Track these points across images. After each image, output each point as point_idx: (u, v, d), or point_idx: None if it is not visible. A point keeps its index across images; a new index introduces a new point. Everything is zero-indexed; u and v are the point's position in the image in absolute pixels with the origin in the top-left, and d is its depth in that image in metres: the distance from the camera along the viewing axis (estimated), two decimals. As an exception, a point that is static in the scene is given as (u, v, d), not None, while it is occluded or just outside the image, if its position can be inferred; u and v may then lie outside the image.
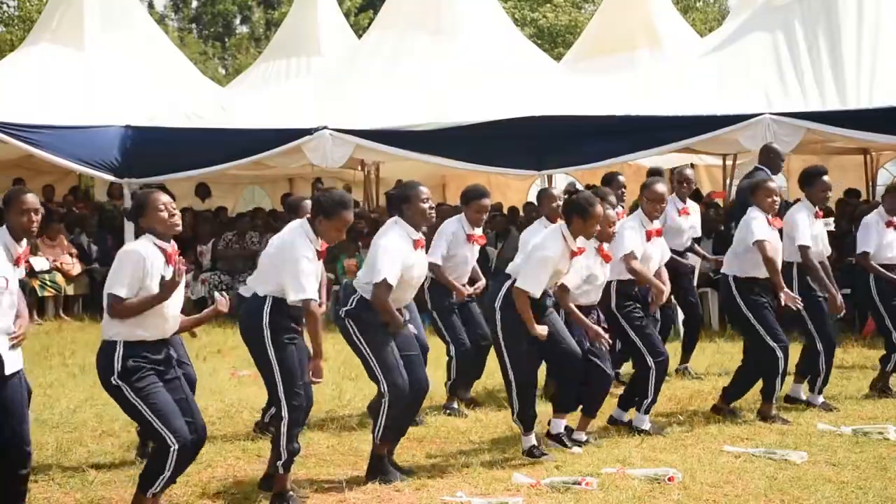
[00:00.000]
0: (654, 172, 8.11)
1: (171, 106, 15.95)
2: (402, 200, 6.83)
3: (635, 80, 14.74)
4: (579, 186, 11.86)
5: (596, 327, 7.37)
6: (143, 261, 5.57)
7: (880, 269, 9.26)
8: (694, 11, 33.95)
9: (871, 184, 17.50)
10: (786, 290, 8.17)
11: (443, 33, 15.25)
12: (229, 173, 16.92)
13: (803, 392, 9.05)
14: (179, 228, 5.79)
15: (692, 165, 12.79)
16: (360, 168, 17.86)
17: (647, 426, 7.92)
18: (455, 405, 8.81)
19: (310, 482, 6.70)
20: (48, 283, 15.14)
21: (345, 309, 6.74)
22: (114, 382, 5.60)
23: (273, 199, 20.04)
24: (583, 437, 7.63)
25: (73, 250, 15.81)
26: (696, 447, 7.52)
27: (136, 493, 5.76)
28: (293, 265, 6.11)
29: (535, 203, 9.09)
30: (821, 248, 8.90)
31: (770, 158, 11.01)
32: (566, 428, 7.53)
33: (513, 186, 19.02)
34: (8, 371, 5.39)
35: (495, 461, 7.15)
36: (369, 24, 23.71)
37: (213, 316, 6.11)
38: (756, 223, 8.23)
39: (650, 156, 14.69)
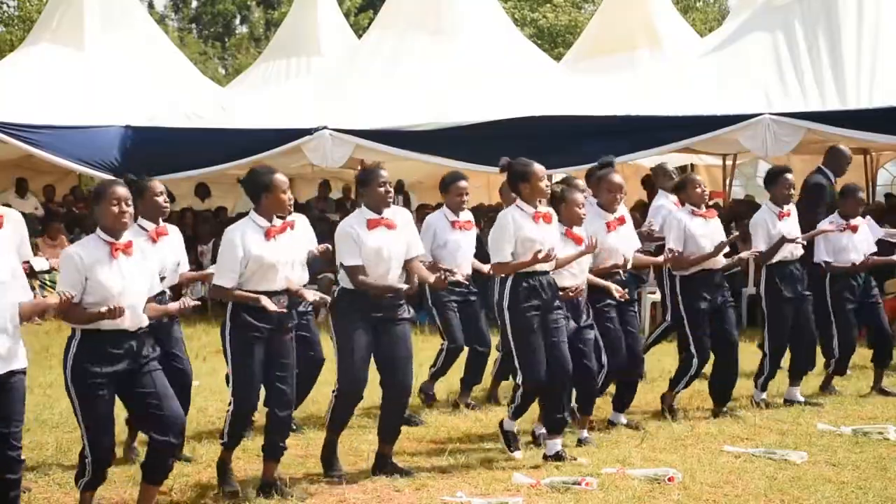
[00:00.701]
0: (606, 164, 8.11)
1: (171, 106, 15.96)
2: (361, 185, 6.89)
3: (635, 80, 14.74)
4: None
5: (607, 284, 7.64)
6: (75, 260, 5.54)
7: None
8: (694, 11, 33.93)
9: (871, 184, 17.48)
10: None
11: (443, 33, 15.25)
12: (229, 173, 16.91)
13: (799, 393, 9.09)
14: (127, 224, 5.71)
15: (692, 166, 12.81)
16: (360, 168, 17.86)
17: (623, 420, 8.13)
18: (432, 392, 8.99)
19: (310, 482, 6.70)
20: (48, 283, 15.14)
21: (329, 300, 6.82)
22: (64, 372, 5.64)
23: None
24: (585, 434, 7.65)
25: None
26: (696, 447, 7.52)
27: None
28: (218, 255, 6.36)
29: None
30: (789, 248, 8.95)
31: (835, 160, 10.79)
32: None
33: (495, 185, 18.97)
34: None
35: (495, 461, 7.15)
36: (369, 24, 23.71)
37: (179, 311, 6.21)
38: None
39: (650, 156, 14.69)
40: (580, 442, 7.62)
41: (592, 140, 13.07)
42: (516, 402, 7.22)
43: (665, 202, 10.07)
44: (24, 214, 15.77)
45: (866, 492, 6.39)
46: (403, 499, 6.39)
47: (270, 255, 6.29)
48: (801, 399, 9.01)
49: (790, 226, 8.96)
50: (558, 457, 7.12)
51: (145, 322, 5.72)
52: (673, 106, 13.04)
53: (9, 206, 16.93)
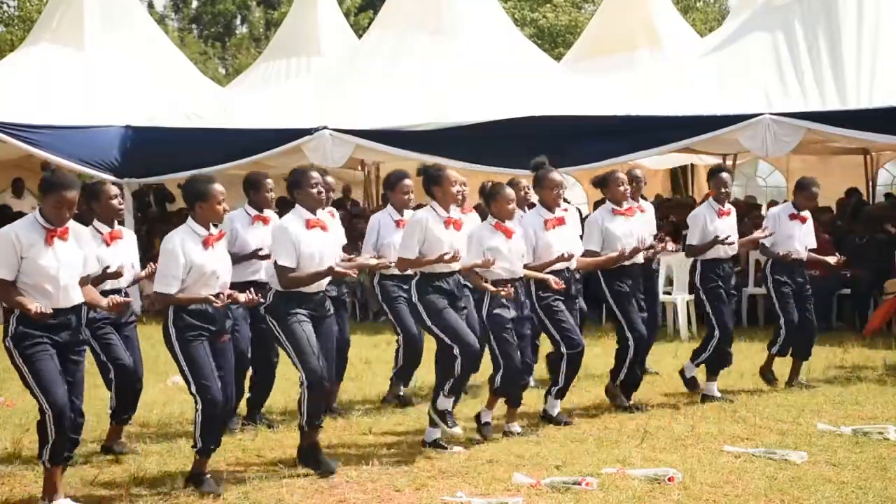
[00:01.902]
0: (539, 165, 8.29)
1: (171, 106, 15.96)
2: (293, 186, 6.93)
3: (635, 80, 14.75)
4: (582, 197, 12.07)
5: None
6: (12, 241, 5.86)
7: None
8: (694, 11, 33.91)
9: (871, 184, 17.50)
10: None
11: (443, 33, 15.26)
12: (229, 173, 16.90)
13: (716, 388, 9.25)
14: (65, 221, 5.96)
15: (692, 166, 12.76)
16: (360, 168, 17.87)
17: (556, 411, 8.21)
18: (401, 392, 9.06)
19: (309, 481, 6.70)
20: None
21: (263, 307, 6.90)
22: (6, 345, 5.90)
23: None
24: (516, 427, 7.88)
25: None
26: (696, 447, 7.52)
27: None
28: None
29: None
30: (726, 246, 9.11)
31: None
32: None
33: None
34: None
35: (495, 461, 7.15)
36: (369, 24, 23.71)
37: (109, 308, 6.32)
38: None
39: (650, 156, 14.72)
40: (506, 433, 7.84)
41: (592, 140, 13.09)
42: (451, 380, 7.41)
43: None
44: (18, 213, 15.78)
45: (866, 492, 6.38)
46: (403, 499, 6.39)
47: (210, 264, 6.42)
48: (718, 395, 9.14)
49: (727, 225, 9.13)
50: (443, 416, 7.42)
51: (78, 300, 6.01)
52: (673, 106, 13.05)
53: (8, 206, 16.99)
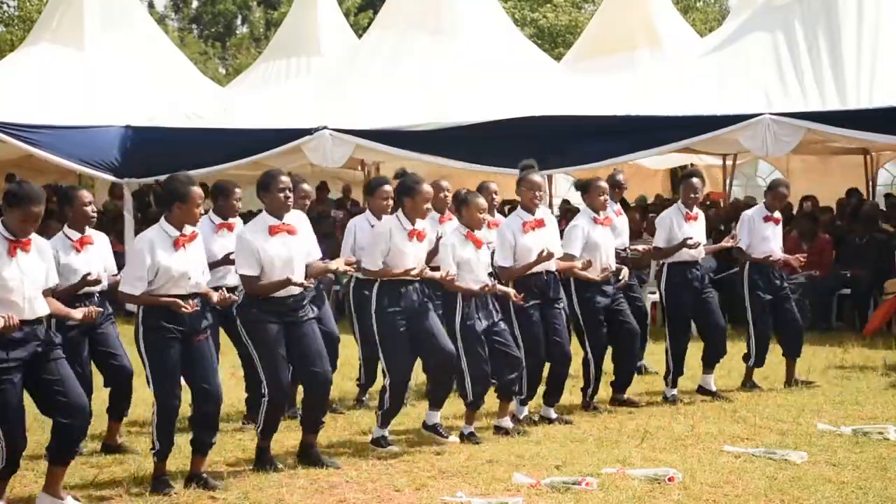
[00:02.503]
0: (527, 166, 8.33)
1: (171, 106, 15.96)
2: (260, 188, 6.92)
3: (635, 80, 14.74)
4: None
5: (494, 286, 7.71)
6: None
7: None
8: (694, 11, 33.92)
9: (871, 184, 17.50)
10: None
11: (443, 33, 15.25)
12: (229, 173, 16.91)
13: (713, 382, 9.32)
14: (28, 233, 5.89)
15: (692, 166, 12.77)
16: (360, 168, 17.88)
17: (516, 418, 8.13)
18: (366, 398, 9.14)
19: (309, 481, 6.70)
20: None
21: (236, 306, 6.87)
22: None
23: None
24: (507, 423, 7.91)
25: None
26: (696, 447, 7.53)
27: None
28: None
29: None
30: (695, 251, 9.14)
31: None
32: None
33: (513, 186, 18.98)
34: None
35: (495, 461, 7.15)
36: (369, 24, 23.70)
37: (84, 319, 6.37)
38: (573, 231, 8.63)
39: (650, 156, 14.73)
40: (497, 429, 7.94)
41: (592, 140, 13.08)
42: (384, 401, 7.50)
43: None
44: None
45: (866, 492, 6.39)
46: (403, 499, 6.39)
47: (179, 265, 6.39)
48: (714, 388, 9.22)
49: (695, 230, 9.18)
50: (434, 430, 7.54)
51: (43, 311, 5.90)
52: (673, 106, 13.04)
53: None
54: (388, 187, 8.59)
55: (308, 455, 7.04)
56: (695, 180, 9.28)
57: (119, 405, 7.52)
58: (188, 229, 6.51)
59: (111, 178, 15.16)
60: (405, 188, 7.43)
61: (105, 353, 7.38)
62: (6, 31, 32.01)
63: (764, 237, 9.54)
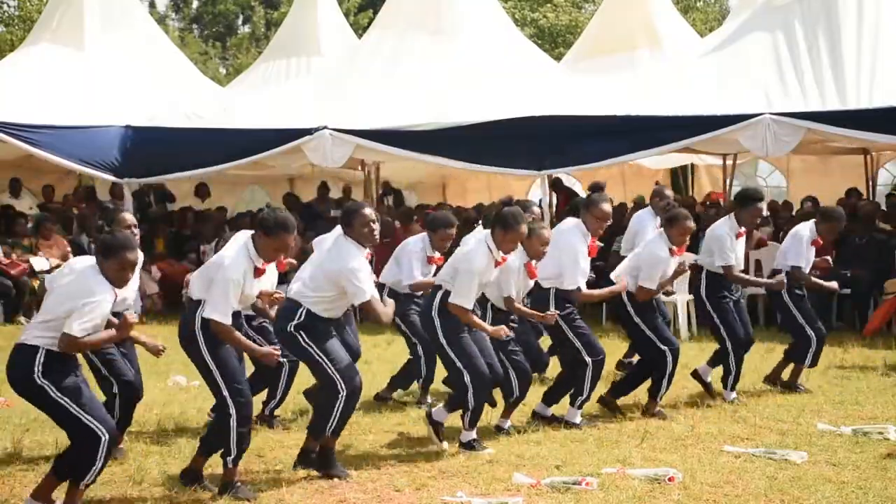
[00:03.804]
0: (598, 188, 8.29)
1: (171, 106, 15.96)
2: (344, 223, 6.91)
3: (635, 80, 14.75)
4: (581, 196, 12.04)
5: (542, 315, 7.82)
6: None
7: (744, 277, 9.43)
8: (694, 11, 33.93)
9: (871, 184, 17.50)
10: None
11: (443, 33, 15.26)
12: (229, 173, 16.93)
13: (710, 375, 9.25)
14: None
15: (692, 166, 12.75)
16: (360, 168, 17.87)
17: (578, 420, 8.15)
18: (429, 399, 9.07)
19: (309, 481, 6.70)
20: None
21: (293, 324, 6.75)
22: (38, 382, 5.76)
23: (273, 199, 20.05)
24: (507, 424, 7.95)
25: (69, 249, 15.80)
26: (696, 447, 7.53)
27: (69, 488, 5.97)
28: (219, 286, 6.24)
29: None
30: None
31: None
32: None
33: (513, 186, 19.03)
34: None
35: (495, 461, 7.15)
36: (369, 23, 23.70)
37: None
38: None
39: (650, 156, 14.72)
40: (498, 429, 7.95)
41: (592, 140, 13.09)
42: (472, 402, 7.39)
43: (649, 222, 10.31)
44: (20, 213, 15.71)
45: (866, 492, 6.39)
46: (403, 499, 6.39)
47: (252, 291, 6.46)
48: (709, 380, 9.18)
49: (740, 248, 9.12)
50: (470, 446, 7.41)
51: None
52: (673, 106, 13.04)
53: (10, 206, 16.99)
54: (452, 231, 8.74)
55: (307, 459, 6.97)
56: (761, 205, 9.18)
57: (128, 420, 7.32)
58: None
59: (111, 178, 15.15)
60: (502, 221, 7.35)
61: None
62: (6, 31, 32.01)
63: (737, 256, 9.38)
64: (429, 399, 9.05)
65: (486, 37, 15.51)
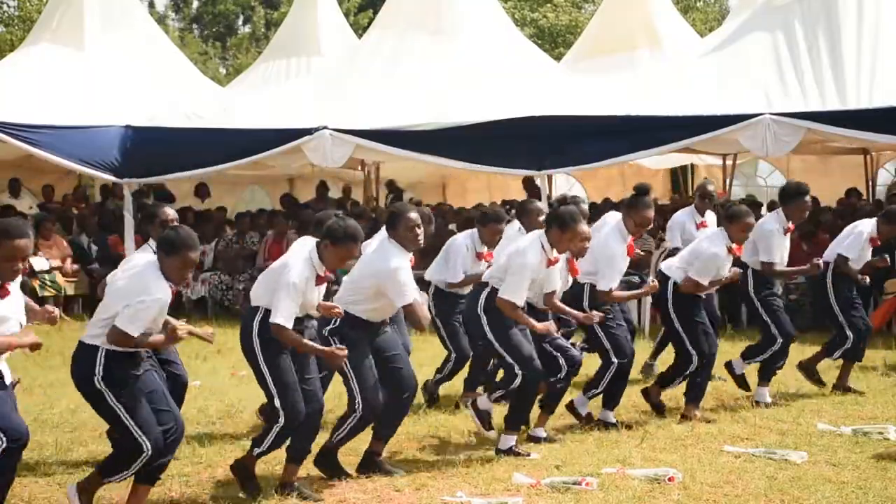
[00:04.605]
0: (643, 192, 8.19)
1: (171, 106, 15.95)
2: (388, 226, 6.90)
3: (635, 80, 14.73)
4: (581, 196, 12.02)
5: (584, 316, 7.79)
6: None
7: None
8: (694, 11, 33.94)
9: (871, 184, 17.50)
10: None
11: (443, 33, 15.25)
12: (229, 173, 16.92)
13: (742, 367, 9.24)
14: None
15: (692, 166, 12.75)
16: (360, 168, 17.89)
17: (584, 410, 8.19)
18: (436, 394, 9.09)
19: (309, 481, 6.70)
20: (48, 282, 15.14)
21: (328, 328, 6.74)
22: (97, 385, 5.75)
23: (273, 199, 20.06)
24: (542, 433, 7.81)
25: (69, 250, 15.81)
26: (696, 447, 7.53)
27: (93, 474, 6.03)
28: (284, 289, 6.22)
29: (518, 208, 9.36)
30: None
31: None
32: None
33: (513, 186, 19.03)
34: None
35: (495, 461, 7.15)
36: (369, 24, 23.69)
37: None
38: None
39: (650, 156, 14.71)
40: (535, 439, 7.80)
41: (592, 140, 13.07)
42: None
43: (686, 219, 10.38)
44: (20, 213, 15.71)
45: (866, 492, 6.39)
46: (403, 499, 6.40)
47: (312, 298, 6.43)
48: (769, 399, 9.05)
49: (786, 243, 9.12)
50: (511, 452, 7.31)
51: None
52: (673, 106, 13.03)
53: (10, 206, 16.99)
54: (503, 226, 8.76)
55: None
56: (808, 199, 9.14)
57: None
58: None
59: (111, 178, 15.15)
60: (560, 220, 7.34)
61: (162, 360, 6.95)
62: (6, 31, 32.02)
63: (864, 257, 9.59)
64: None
65: (486, 37, 15.49)
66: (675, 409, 8.80)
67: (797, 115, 12.47)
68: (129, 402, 5.76)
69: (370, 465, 6.94)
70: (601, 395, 8.28)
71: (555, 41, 32.11)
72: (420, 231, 6.85)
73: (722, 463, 7.06)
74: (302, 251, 6.42)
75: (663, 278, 8.54)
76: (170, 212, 7.33)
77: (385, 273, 6.65)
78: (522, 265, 7.26)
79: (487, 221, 8.80)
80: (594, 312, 7.83)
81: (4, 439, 5.32)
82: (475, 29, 15.49)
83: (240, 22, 43.31)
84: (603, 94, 14.06)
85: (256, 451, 6.47)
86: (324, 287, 6.56)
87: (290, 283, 6.21)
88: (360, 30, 26.70)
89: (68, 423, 8.32)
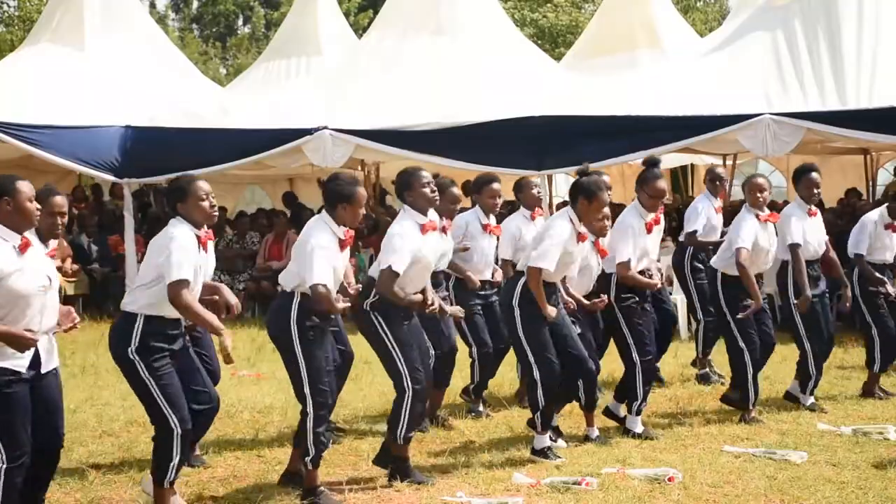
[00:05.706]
0: (652, 164, 7.97)
1: (171, 106, 15.94)
2: (403, 188, 6.79)
3: (635, 80, 14.73)
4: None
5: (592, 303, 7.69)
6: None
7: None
8: (694, 11, 33.92)
9: (871, 184, 17.50)
10: (758, 299, 8.26)
11: (443, 33, 15.23)
12: (229, 173, 16.90)
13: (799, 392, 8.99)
14: (216, 218, 6.02)
15: (692, 166, 12.75)
16: (360, 168, 17.86)
17: (639, 429, 7.88)
18: (480, 408, 8.69)
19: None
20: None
21: (370, 301, 6.65)
22: (130, 356, 5.75)
23: (273, 198, 20.05)
24: (595, 432, 7.72)
25: (69, 250, 15.80)
26: (696, 447, 7.53)
27: (154, 490, 5.95)
28: (313, 252, 6.14)
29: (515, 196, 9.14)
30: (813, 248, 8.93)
31: None
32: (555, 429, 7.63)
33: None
34: (45, 369, 5.48)
35: (495, 461, 7.15)
36: (369, 24, 23.70)
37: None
38: (745, 226, 8.32)
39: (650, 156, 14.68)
40: (588, 439, 7.72)
41: (592, 140, 13.06)
42: (541, 402, 7.23)
43: (705, 204, 10.45)
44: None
45: (866, 492, 6.39)
46: (403, 499, 6.40)
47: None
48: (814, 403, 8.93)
49: (816, 226, 9.05)
50: (543, 454, 7.20)
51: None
52: (673, 106, 13.03)
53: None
54: (497, 185, 8.57)
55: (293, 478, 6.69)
56: (815, 175, 8.91)
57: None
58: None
59: (111, 178, 15.14)
60: (585, 190, 7.19)
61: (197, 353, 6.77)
62: (6, 31, 32.01)
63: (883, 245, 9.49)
64: (481, 407, 8.72)
65: (486, 37, 15.48)
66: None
67: (797, 115, 12.47)
68: (160, 376, 5.75)
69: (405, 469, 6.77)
70: (616, 389, 8.20)
71: (555, 41, 32.09)
72: (434, 188, 6.75)
73: (722, 463, 7.06)
74: (315, 223, 6.35)
75: (712, 273, 8.49)
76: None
77: (387, 239, 6.61)
78: (553, 235, 7.11)
79: (481, 185, 8.55)
80: (601, 297, 7.66)
81: (4, 457, 5.26)
82: (475, 29, 15.47)
83: (240, 22, 43.31)
84: (603, 94, 14.05)
85: (307, 459, 6.25)
86: (347, 253, 6.43)
87: (315, 245, 6.14)
88: (360, 30, 26.69)
89: (68, 423, 8.23)
